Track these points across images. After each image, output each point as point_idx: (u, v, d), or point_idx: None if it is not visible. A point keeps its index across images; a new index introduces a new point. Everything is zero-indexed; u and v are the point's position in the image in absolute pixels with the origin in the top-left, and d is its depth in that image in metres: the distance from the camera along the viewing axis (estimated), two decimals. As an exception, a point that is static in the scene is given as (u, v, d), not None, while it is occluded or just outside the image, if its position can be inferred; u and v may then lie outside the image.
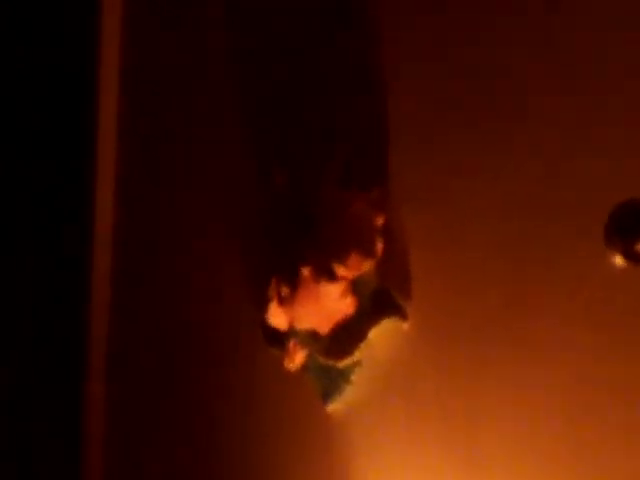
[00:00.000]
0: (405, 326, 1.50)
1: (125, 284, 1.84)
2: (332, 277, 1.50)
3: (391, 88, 1.54)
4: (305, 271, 1.51)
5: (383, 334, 1.51)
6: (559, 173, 1.36)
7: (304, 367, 1.59)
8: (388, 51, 1.55)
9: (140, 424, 1.80)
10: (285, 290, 1.55)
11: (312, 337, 1.56)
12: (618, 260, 1.19)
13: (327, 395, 1.57)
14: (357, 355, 1.52)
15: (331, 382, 1.56)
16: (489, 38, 1.45)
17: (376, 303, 1.52)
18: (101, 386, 1.82)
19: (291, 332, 1.58)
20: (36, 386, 1.82)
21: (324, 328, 1.54)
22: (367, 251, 1.50)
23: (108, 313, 1.83)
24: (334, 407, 1.56)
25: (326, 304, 1.52)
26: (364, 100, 1.58)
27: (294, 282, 1.53)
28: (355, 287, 1.52)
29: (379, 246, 1.50)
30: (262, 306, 1.59)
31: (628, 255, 1.18)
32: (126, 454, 1.82)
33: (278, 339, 1.60)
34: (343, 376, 1.54)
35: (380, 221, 1.51)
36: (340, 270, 1.49)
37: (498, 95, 1.43)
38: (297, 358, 1.58)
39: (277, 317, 1.58)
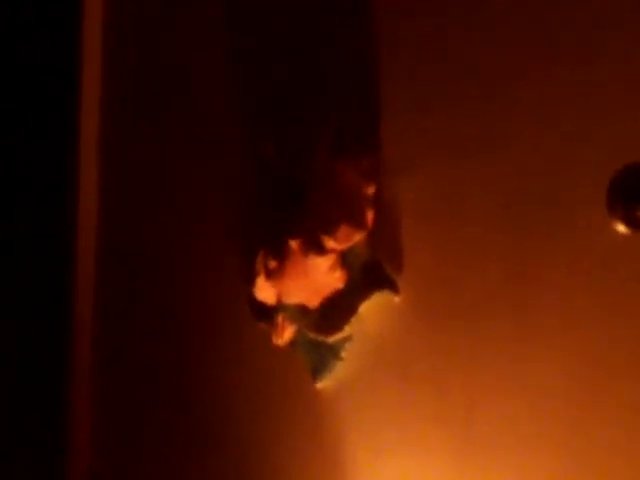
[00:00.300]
0: (397, 300, 1.44)
1: (109, 258, 1.80)
2: (321, 250, 1.45)
3: (384, 54, 1.48)
4: (293, 244, 1.46)
5: (374, 308, 1.45)
6: (559, 140, 1.30)
7: (293, 342, 1.54)
8: (382, 14, 1.49)
9: (127, 403, 1.77)
10: (272, 263, 1.50)
11: (301, 312, 1.51)
12: (620, 227, 1.14)
13: (317, 371, 1.52)
14: (347, 330, 1.47)
15: (321, 358, 1.51)
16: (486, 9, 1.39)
17: (367, 276, 1.46)
18: (86, 369, 1.78)
19: (279, 306, 1.53)
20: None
21: (313, 302, 1.49)
22: (357, 222, 1.44)
23: (92, 292, 1.79)
24: (324, 383, 1.51)
25: (315, 278, 1.47)
26: (356, 66, 1.52)
27: (282, 255, 1.48)
28: (345, 259, 1.46)
29: (370, 217, 1.45)
30: (249, 280, 1.54)
31: (630, 222, 1.12)
32: (113, 434, 1.78)
33: (266, 314, 1.56)
34: (333, 352, 1.49)
35: (371, 190, 1.45)
36: (329, 242, 1.44)
37: (495, 61, 1.37)
38: (285, 333, 1.54)
39: (264, 291, 1.53)
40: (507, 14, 1.36)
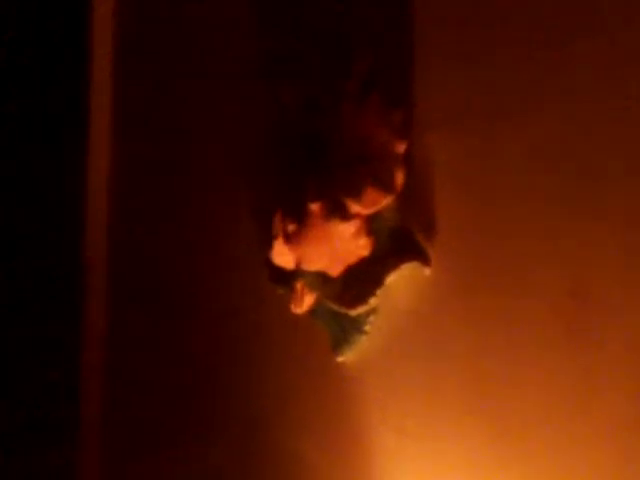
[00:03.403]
0: (428, 272, 1.31)
1: (122, 217, 1.68)
2: (344, 215, 1.31)
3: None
4: (314, 207, 1.33)
5: (402, 280, 1.32)
6: (614, 100, 1.15)
7: (313, 312, 1.41)
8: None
9: (140, 368, 1.66)
10: (291, 227, 1.36)
11: (322, 280, 1.38)
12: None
13: (338, 344, 1.40)
14: (372, 303, 1.34)
15: (342, 331, 1.39)
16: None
17: (395, 244, 1.33)
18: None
19: (298, 272, 1.40)
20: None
21: (335, 271, 1.36)
22: (385, 185, 1.30)
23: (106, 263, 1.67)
24: (346, 357, 1.39)
25: (337, 244, 1.33)
26: (387, 10, 1.37)
27: (301, 218, 1.35)
28: (371, 225, 1.33)
29: (399, 178, 1.31)
30: (267, 242, 1.41)
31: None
32: (123, 407, 1.68)
33: (284, 278, 1.43)
34: (356, 325, 1.37)
35: (401, 149, 1.31)
36: (354, 206, 1.30)
37: (546, 10, 1.21)
38: (305, 301, 1.41)
39: (283, 256, 1.40)
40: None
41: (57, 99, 1.73)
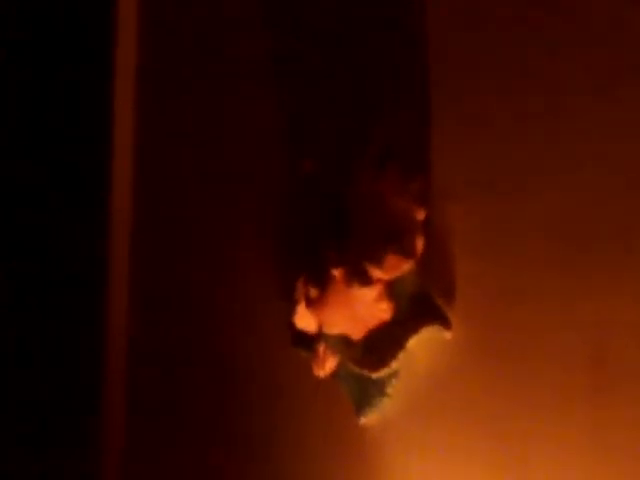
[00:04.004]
0: (448, 335, 1.34)
1: (142, 286, 1.70)
2: (366, 280, 1.34)
3: (436, 68, 1.37)
4: (336, 272, 1.36)
5: (423, 344, 1.36)
6: (629, 171, 1.19)
7: (335, 375, 1.44)
8: (435, 28, 1.38)
9: (159, 432, 1.67)
10: (313, 292, 1.40)
11: (344, 343, 1.41)
12: None
13: (360, 407, 1.42)
14: (394, 366, 1.37)
15: (365, 393, 1.41)
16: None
17: (416, 308, 1.36)
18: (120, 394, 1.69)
19: (321, 336, 1.43)
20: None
21: (357, 334, 1.39)
22: (406, 251, 1.34)
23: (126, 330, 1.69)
24: (368, 419, 1.41)
25: (359, 308, 1.37)
26: (405, 77, 1.41)
27: (324, 284, 1.38)
28: (392, 290, 1.36)
29: (419, 245, 1.34)
30: (290, 305, 1.44)
31: None
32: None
33: (307, 342, 1.46)
34: (378, 387, 1.40)
35: (421, 216, 1.34)
36: (375, 272, 1.34)
37: (560, 80, 1.25)
38: (327, 364, 1.44)
39: (305, 320, 1.43)
40: (572, 39, 1.24)
41: (80, 104, 1.75)
